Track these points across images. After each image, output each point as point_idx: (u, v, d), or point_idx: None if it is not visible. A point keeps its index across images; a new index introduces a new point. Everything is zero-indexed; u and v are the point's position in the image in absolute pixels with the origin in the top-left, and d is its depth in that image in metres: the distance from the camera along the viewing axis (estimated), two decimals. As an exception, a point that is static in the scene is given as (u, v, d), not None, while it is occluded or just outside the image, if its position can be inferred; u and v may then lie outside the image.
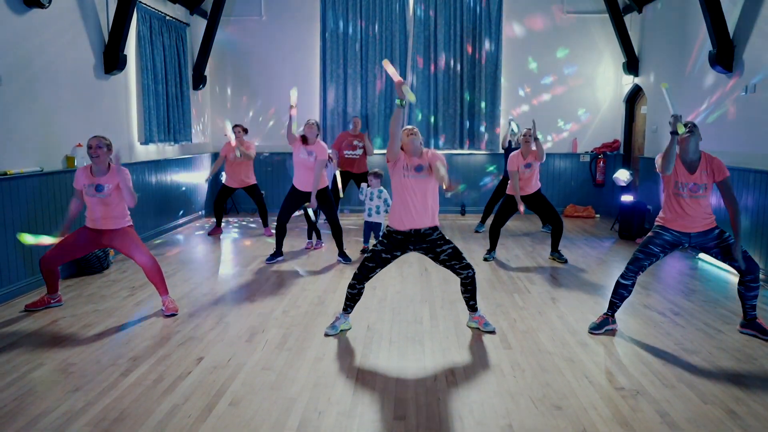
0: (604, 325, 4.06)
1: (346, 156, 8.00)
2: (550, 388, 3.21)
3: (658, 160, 3.84)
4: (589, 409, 2.97)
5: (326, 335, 3.97)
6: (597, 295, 4.98)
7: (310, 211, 6.50)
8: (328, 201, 6.14)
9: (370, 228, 6.38)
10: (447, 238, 3.99)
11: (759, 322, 3.98)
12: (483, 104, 9.44)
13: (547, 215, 6.28)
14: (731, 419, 2.88)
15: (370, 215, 6.34)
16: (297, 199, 6.09)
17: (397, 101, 3.61)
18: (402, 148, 3.87)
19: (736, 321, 4.27)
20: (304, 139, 6.02)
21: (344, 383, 3.27)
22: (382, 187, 6.39)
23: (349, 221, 8.84)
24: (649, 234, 4.05)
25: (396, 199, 3.91)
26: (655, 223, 4.07)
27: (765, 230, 5.39)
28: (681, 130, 3.74)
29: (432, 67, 9.40)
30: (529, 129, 6.14)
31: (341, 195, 7.50)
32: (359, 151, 8.02)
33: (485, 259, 6.28)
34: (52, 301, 4.56)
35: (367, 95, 9.50)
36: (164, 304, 4.45)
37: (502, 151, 9.24)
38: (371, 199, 6.31)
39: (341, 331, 4.04)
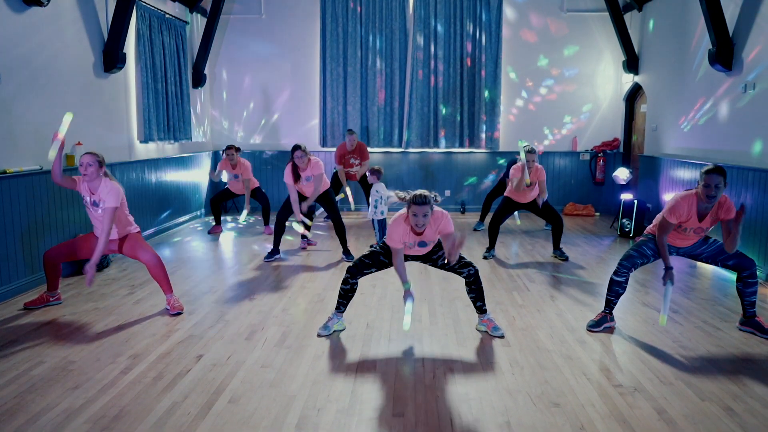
0: (602, 323, 4.07)
1: (348, 172, 8.07)
2: (549, 385, 3.22)
3: (662, 235, 3.89)
4: (587, 405, 2.98)
5: (319, 336, 3.95)
6: (596, 293, 4.99)
7: (298, 226, 6.35)
8: (331, 201, 6.15)
9: (375, 224, 6.49)
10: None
11: (758, 320, 3.99)
12: (483, 103, 9.44)
13: (548, 215, 6.29)
14: (728, 416, 2.89)
15: (374, 212, 6.45)
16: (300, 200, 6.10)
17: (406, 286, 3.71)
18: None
19: (734, 319, 4.28)
20: (296, 174, 5.90)
21: (343, 381, 3.28)
22: (380, 183, 6.43)
23: (346, 221, 8.84)
24: (642, 238, 4.09)
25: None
26: (647, 232, 4.11)
27: (764, 229, 5.39)
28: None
29: (432, 66, 9.40)
30: (524, 163, 6.06)
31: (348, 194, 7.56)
32: (357, 168, 8.08)
33: (485, 257, 6.29)
34: (51, 299, 4.57)
35: (367, 93, 9.50)
36: (169, 302, 4.46)
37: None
38: (371, 196, 6.42)
39: (334, 332, 4.02)
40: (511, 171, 6.23)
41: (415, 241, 3.74)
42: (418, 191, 3.57)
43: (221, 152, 7.78)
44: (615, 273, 4.05)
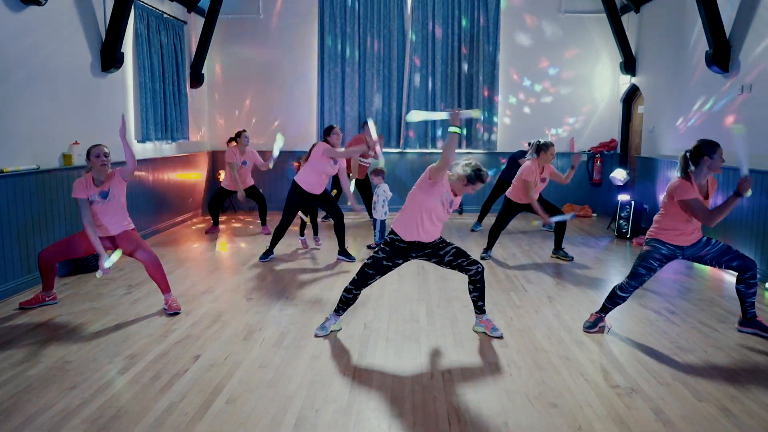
0: (597, 323, 4.07)
1: (360, 163, 7.97)
2: (546, 385, 3.22)
3: (706, 218, 3.72)
4: (585, 406, 2.99)
5: (316, 336, 3.95)
6: (593, 293, 5.00)
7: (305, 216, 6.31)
8: (330, 199, 6.14)
9: (377, 224, 6.52)
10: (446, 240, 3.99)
11: (760, 320, 3.99)
12: (480, 104, 9.44)
13: (552, 214, 6.27)
14: (725, 417, 2.89)
15: (375, 211, 6.47)
16: (304, 200, 6.07)
17: (454, 129, 3.52)
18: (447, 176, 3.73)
19: (731, 319, 4.29)
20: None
21: (341, 381, 3.27)
22: (385, 184, 6.47)
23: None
24: (646, 248, 3.95)
25: (413, 212, 3.75)
26: (651, 237, 3.96)
27: (760, 230, 5.41)
28: (749, 193, 3.67)
29: (429, 67, 9.41)
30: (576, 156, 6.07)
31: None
32: (370, 159, 8.02)
33: (482, 258, 6.29)
34: (47, 299, 4.55)
35: (365, 94, 9.50)
36: (166, 302, 4.44)
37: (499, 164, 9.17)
38: (378, 196, 6.44)
39: (331, 331, 4.01)
40: (528, 167, 6.04)
41: (455, 201, 3.77)
42: (481, 168, 3.65)
43: (228, 142, 7.75)
44: (621, 289, 3.96)
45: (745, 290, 3.95)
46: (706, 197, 3.86)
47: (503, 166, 8.18)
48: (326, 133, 6.06)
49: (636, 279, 3.93)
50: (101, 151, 4.29)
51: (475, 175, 3.64)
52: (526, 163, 6.11)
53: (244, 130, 7.68)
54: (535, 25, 9.42)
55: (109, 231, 4.39)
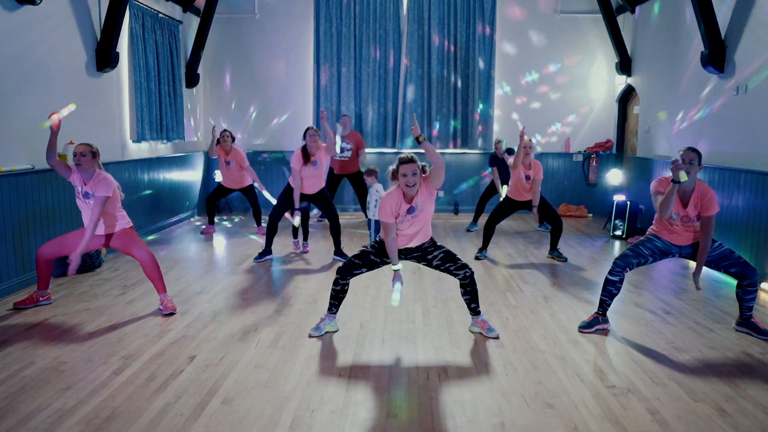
0: (594, 324, 4.07)
1: (336, 158, 8.00)
2: (542, 386, 3.22)
3: (657, 204, 3.88)
4: (581, 406, 2.99)
5: (310, 336, 3.94)
6: (589, 293, 5.01)
7: (295, 219, 6.27)
8: (327, 199, 6.13)
9: (372, 225, 6.53)
10: (438, 243, 3.99)
11: (754, 321, 4.02)
12: (476, 103, 9.45)
13: (547, 216, 6.31)
14: (721, 417, 2.90)
15: (369, 211, 6.48)
16: (292, 199, 6.07)
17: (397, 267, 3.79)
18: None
19: (726, 320, 4.31)
20: (306, 156, 5.91)
21: (337, 381, 3.27)
22: (379, 184, 6.47)
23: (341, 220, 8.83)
24: (642, 237, 4.11)
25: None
26: (649, 232, 4.12)
27: (756, 230, 5.43)
28: (683, 178, 3.64)
29: (425, 67, 9.41)
30: (529, 140, 6.20)
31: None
32: (348, 153, 8.05)
33: (477, 258, 6.29)
34: (41, 299, 4.53)
35: (361, 94, 9.50)
36: (162, 302, 4.43)
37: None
38: (371, 196, 6.46)
39: (326, 332, 4.00)
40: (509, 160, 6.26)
41: (406, 210, 3.76)
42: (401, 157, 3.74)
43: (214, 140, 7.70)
44: (609, 272, 4.04)
45: (743, 295, 3.98)
46: (686, 205, 3.87)
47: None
48: (303, 135, 6.02)
49: (623, 259, 4.02)
50: (77, 150, 4.25)
51: (397, 161, 3.71)
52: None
53: (226, 130, 7.52)
54: (531, 25, 9.43)
55: (103, 231, 4.38)
